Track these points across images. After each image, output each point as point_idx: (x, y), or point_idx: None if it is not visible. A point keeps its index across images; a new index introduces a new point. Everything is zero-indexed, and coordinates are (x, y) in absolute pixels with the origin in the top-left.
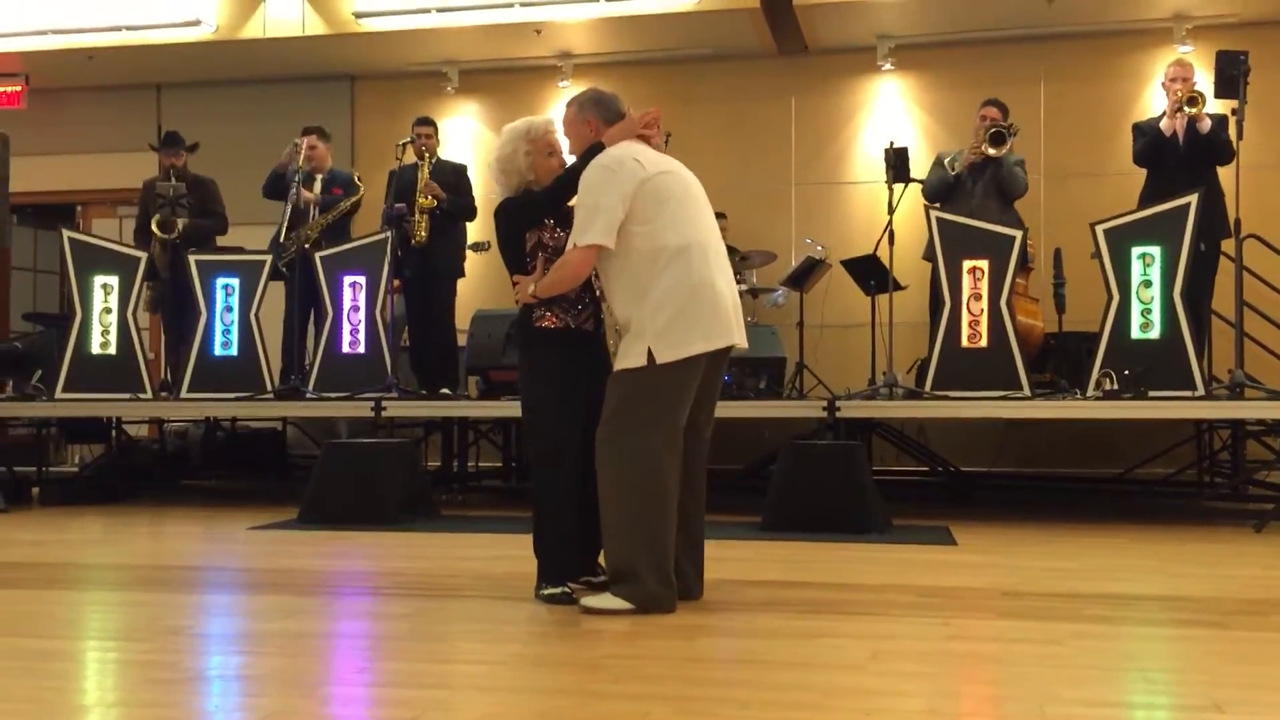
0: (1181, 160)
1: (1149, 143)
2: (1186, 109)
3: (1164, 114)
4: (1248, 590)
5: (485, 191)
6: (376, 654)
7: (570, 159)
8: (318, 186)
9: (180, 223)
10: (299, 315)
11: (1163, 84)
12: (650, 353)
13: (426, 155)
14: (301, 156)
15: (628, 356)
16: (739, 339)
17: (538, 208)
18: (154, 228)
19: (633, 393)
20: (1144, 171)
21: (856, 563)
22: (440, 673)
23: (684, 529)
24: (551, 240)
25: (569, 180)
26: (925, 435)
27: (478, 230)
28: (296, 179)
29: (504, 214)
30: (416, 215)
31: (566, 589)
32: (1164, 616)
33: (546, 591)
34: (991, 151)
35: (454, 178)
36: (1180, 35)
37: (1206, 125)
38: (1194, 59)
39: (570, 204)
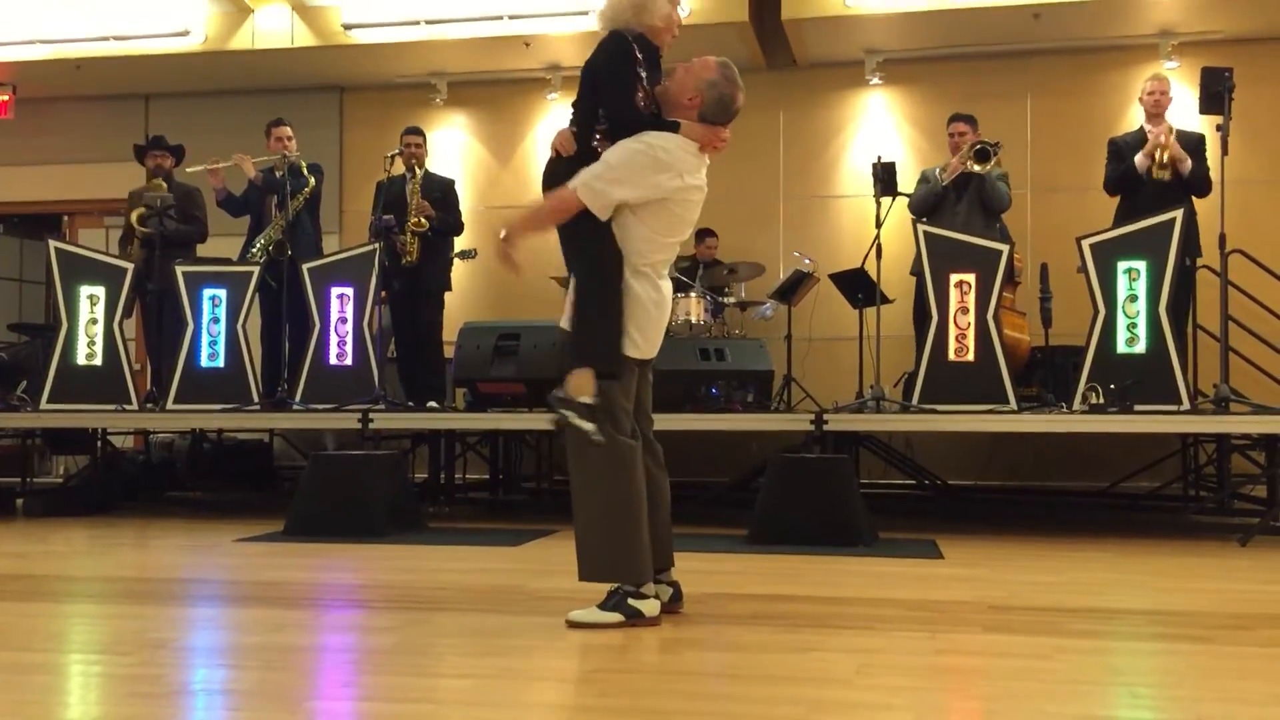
0: (1156, 189)
1: (1124, 175)
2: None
3: (1141, 127)
4: (1233, 604)
5: (471, 206)
6: (362, 668)
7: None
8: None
9: (156, 219)
10: (284, 327)
11: (1140, 98)
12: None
13: (416, 166)
14: (291, 147)
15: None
16: (654, 352)
17: (626, 112)
18: (133, 220)
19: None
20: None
21: (843, 576)
22: (426, 687)
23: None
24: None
25: (652, 123)
26: (912, 448)
27: (461, 239)
28: (281, 174)
29: (618, 46)
30: (408, 236)
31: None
32: (1149, 631)
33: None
34: (976, 168)
35: (441, 193)
36: (1166, 51)
37: (1188, 168)
38: (1179, 75)
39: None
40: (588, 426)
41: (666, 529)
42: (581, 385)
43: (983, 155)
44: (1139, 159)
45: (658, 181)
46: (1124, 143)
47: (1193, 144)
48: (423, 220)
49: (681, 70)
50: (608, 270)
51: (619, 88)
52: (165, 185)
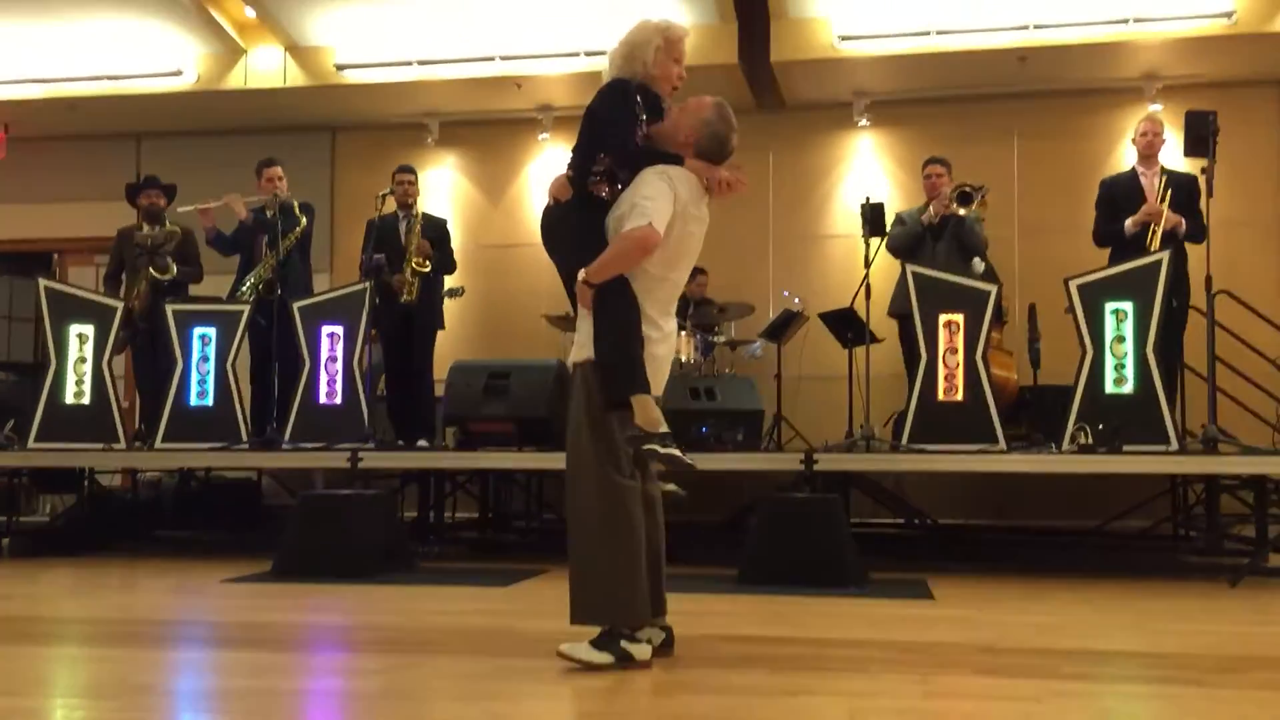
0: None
1: (1112, 236)
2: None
3: (1134, 168)
4: (1224, 647)
5: (462, 244)
6: (349, 713)
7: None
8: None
9: (174, 265)
10: (273, 366)
11: (1133, 139)
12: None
13: (412, 204)
14: (283, 187)
15: (583, 348)
16: (660, 390)
17: (628, 149)
18: (152, 271)
19: (584, 395)
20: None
21: (834, 618)
22: None
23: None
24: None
25: (656, 156)
26: (902, 487)
27: (452, 278)
28: (271, 214)
29: (618, 89)
30: (409, 275)
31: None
32: (1142, 673)
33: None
34: (961, 211)
35: (437, 233)
36: (1151, 94)
37: (1183, 229)
38: (1164, 117)
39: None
40: (677, 453)
41: (659, 578)
42: (650, 416)
43: (965, 198)
44: (1128, 225)
45: (672, 203)
46: (1115, 184)
47: (1186, 187)
48: (426, 261)
49: (677, 110)
50: (629, 300)
51: (618, 125)
52: (178, 230)
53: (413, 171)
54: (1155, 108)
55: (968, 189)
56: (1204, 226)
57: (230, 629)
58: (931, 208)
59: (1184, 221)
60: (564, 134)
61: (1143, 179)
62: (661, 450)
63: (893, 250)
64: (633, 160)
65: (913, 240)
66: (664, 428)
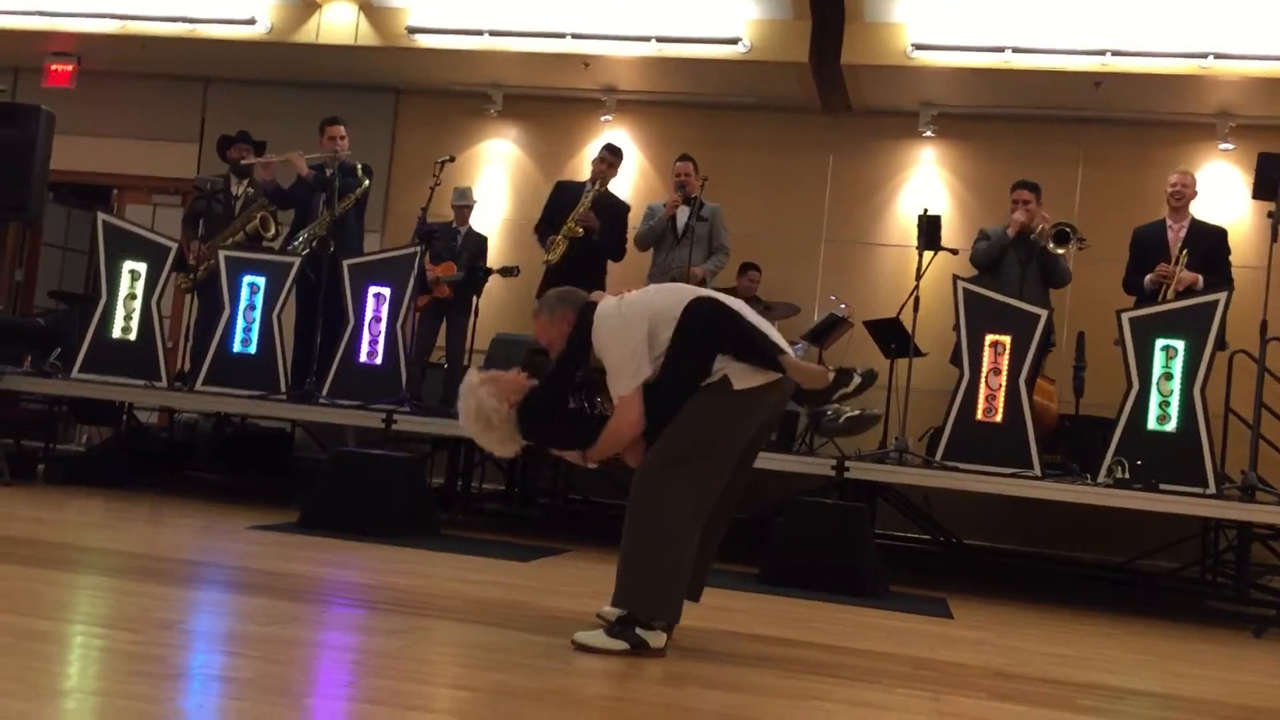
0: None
1: (1137, 286)
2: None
3: (1164, 219)
4: (1242, 696)
5: (513, 218)
6: (362, 669)
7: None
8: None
9: (274, 225)
10: (317, 321)
11: (1165, 190)
12: (727, 376)
13: (601, 184)
14: (344, 146)
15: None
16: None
17: (557, 383)
18: (259, 227)
19: (703, 407)
20: None
21: (852, 626)
22: (424, 695)
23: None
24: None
25: (571, 354)
26: (930, 503)
27: (505, 254)
28: (331, 172)
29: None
30: (560, 238)
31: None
32: (1157, 714)
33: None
34: (1059, 250)
35: (611, 213)
36: (1223, 132)
37: (1199, 286)
38: (1234, 157)
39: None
40: (858, 379)
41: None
42: (812, 373)
43: (1062, 238)
44: (1146, 282)
45: (634, 318)
46: (1144, 234)
47: (1211, 241)
48: (579, 229)
49: (541, 336)
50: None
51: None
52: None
53: (619, 154)
54: (1226, 146)
55: (1067, 229)
56: (1230, 279)
57: (253, 574)
58: (1015, 219)
59: (1200, 279)
60: (627, 117)
61: (1169, 231)
62: (852, 385)
63: (977, 264)
64: (565, 371)
65: (998, 252)
66: (830, 372)
